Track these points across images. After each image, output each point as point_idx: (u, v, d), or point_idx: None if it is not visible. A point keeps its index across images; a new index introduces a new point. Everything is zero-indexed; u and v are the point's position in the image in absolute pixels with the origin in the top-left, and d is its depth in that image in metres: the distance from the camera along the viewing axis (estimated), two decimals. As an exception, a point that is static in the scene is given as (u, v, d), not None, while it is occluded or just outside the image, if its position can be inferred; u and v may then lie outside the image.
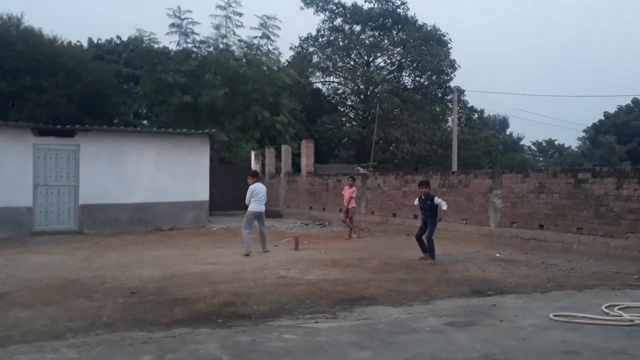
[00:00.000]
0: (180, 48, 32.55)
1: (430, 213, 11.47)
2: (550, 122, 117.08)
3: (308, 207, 23.71)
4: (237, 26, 32.59)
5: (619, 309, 6.83)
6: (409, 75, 44.48)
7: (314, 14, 42.98)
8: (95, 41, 43.61)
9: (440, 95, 44.12)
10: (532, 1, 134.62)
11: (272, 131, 31.27)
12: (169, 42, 33.22)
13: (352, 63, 43.54)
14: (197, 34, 32.61)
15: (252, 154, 28.50)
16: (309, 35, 43.82)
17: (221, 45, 32.69)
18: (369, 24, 42.81)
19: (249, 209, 12.71)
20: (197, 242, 14.65)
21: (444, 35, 42.61)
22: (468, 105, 44.80)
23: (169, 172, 18.57)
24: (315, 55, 43.19)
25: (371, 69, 43.31)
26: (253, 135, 30.99)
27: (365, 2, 42.86)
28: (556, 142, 73.29)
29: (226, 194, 23.47)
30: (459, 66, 42.81)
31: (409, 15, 43.17)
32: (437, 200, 11.52)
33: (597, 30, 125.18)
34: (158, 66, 30.99)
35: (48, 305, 7.21)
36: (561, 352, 5.23)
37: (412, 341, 5.60)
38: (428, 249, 11.35)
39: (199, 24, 32.98)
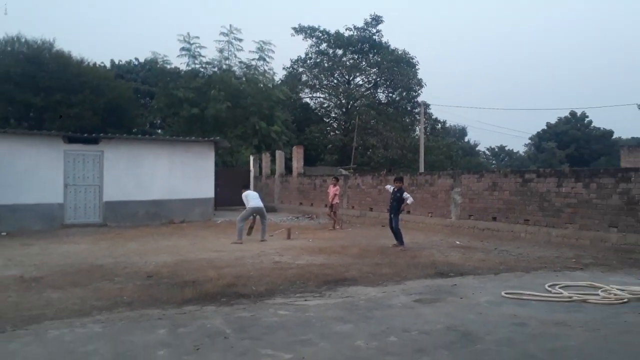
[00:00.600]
0: (189, 68, 32.48)
1: (396, 204, 11.53)
2: (501, 131, 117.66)
3: (298, 203, 23.65)
4: (237, 50, 32.66)
5: (559, 288, 6.89)
6: (383, 92, 44.58)
7: (303, 39, 43.09)
8: (117, 62, 43.18)
9: (409, 108, 44.24)
10: (486, 30, 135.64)
11: (268, 139, 31.25)
12: (180, 63, 33.43)
13: (335, 81, 43.50)
14: (203, 56, 32.61)
15: (251, 158, 28.42)
16: (299, 57, 43.83)
17: (224, 66, 32.63)
18: (350, 48, 42.85)
19: (248, 206, 12.73)
20: (204, 233, 14.58)
21: (412, 58, 42.75)
22: (433, 117, 44.89)
23: (179, 173, 18.47)
24: (304, 75, 43.22)
25: (351, 87, 43.41)
26: (252, 142, 30.89)
27: (346, 30, 43.04)
28: (506, 148, 73.56)
29: (228, 192, 23.28)
30: (425, 84, 43.20)
31: (383, 41, 43.31)
32: (406, 195, 11.57)
33: (540, 53, 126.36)
34: (170, 84, 30.93)
35: (77, 287, 7.14)
36: (512, 324, 5.27)
37: (386, 316, 5.61)
38: (395, 237, 11.39)
39: (205, 47, 32.99)
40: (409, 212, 11.72)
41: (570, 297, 6.37)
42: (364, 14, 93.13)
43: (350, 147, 35.28)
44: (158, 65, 33.19)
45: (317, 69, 42.48)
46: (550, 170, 13.22)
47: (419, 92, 43.21)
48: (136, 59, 44.17)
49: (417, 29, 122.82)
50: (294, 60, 43.85)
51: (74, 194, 16.64)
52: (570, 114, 59.72)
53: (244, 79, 32.54)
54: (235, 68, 32.89)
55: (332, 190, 16.54)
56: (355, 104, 42.52)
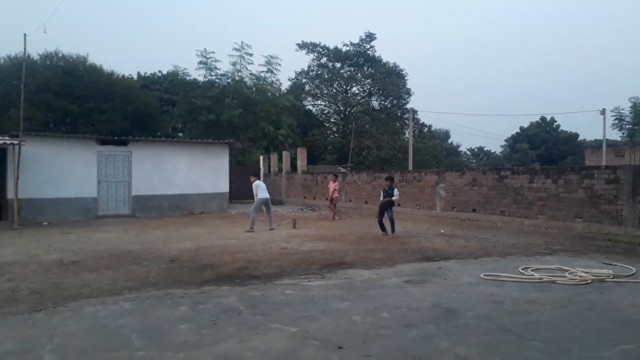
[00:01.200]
0: (206, 79, 32.45)
1: (388, 200, 11.49)
2: (481, 134, 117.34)
3: (303, 197, 23.64)
4: (248, 63, 32.66)
5: (531, 270, 6.90)
6: (377, 100, 44.37)
7: (306, 54, 42.82)
8: (143, 74, 43.06)
9: (399, 114, 44.08)
10: (467, 43, 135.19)
11: (276, 141, 31.21)
12: (198, 75, 33.24)
13: (334, 91, 43.39)
14: (218, 69, 32.62)
15: (261, 158, 28.34)
16: (302, 69, 43.64)
17: (237, 77, 32.59)
18: (347, 62, 42.68)
19: (258, 198, 12.72)
20: (220, 223, 14.58)
21: (401, 70, 42.66)
22: (420, 122, 44.69)
23: (198, 171, 18.45)
24: (307, 85, 43.06)
25: (348, 95, 43.28)
26: (261, 144, 30.87)
27: (343, 45, 42.80)
28: (485, 149, 73.32)
29: (241, 188, 23.12)
30: (413, 93, 43.34)
31: (376, 56, 43.15)
32: (395, 191, 11.54)
33: (515, 65, 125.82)
34: (190, 93, 30.92)
35: (109, 269, 7.17)
36: (489, 302, 5.28)
37: (380, 294, 5.62)
38: (381, 228, 11.34)
39: (220, 61, 33.07)
40: (399, 204, 11.67)
41: (540, 279, 6.38)
42: (359, 31, 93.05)
43: (347, 148, 35.18)
44: (179, 77, 33.28)
45: (318, 80, 42.45)
46: (523, 168, 13.23)
47: (408, 100, 43.30)
48: (160, 71, 44.11)
49: (405, 45, 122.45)
50: (298, 72, 43.77)
51: (106, 189, 16.64)
52: (540, 118, 59.59)
53: (254, 88, 32.48)
54: (246, 79, 32.88)
55: (332, 185, 16.55)
56: (352, 111, 42.46)
